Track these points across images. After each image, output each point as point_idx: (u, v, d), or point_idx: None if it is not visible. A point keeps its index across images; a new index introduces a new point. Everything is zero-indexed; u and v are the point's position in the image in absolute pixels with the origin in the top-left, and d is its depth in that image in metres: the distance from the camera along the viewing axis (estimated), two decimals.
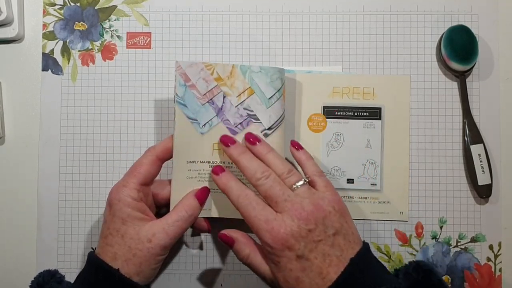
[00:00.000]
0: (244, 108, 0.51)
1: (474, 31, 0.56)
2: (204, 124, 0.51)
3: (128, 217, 0.47)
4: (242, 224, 0.48)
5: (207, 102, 0.51)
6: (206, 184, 0.51)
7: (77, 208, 0.57)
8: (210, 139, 0.51)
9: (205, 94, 0.51)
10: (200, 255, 0.56)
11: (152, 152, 0.50)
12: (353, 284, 0.42)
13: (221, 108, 0.51)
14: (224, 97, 0.51)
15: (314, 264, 0.43)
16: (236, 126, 0.51)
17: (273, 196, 0.45)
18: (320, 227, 0.44)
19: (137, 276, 0.46)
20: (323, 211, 0.44)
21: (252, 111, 0.51)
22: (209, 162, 0.51)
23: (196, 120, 0.51)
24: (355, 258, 0.43)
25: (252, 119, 0.51)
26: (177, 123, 0.50)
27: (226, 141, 0.50)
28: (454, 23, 0.57)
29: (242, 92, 0.51)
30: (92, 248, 0.56)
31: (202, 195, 0.50)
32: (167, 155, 0.50)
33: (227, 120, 0.51)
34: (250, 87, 0.51)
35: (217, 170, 0.49)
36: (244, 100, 0.51)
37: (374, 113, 0.56)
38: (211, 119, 0.51)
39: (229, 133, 0.51)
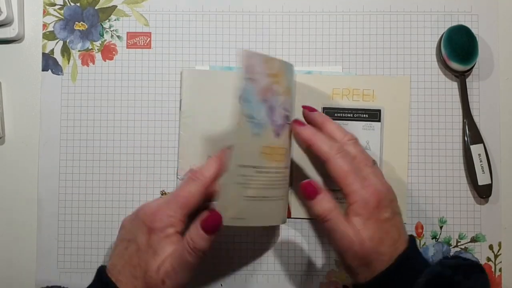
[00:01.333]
0: (283, 109, 0.48)
1: (474, 31, 0.56)
2: (258, 123, 0.46)
3: (164, 253, 0.44)
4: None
5: (263, 99, 0.47)
6: (254, 192, 0.46)
7: (77, 208, 0.57)
8: (259, 141, 0.46)
9: (262, 90, 0.46)
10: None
11: (202, 181, 0.45)
12: (416, 258, 0.45)
13: (272, 108, 0.47)
14: (276, 95, 0.48)
15: (392, 232, 0.45)
16: (279, 128, 0.48)
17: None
18: (395, 202, 0.47)
19: None
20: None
21: (288, 112, 0.49)
22: (255, 167, 0.46)
23: (253, 118, 0.46)
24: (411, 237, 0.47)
25: (287, 122, 0.49)
26: (235, 120, 0.45)
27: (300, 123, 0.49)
28: (454, 23, 0.57)
29: (284, 92, 0.49)
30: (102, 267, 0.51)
31: (209, 225, 0.44)
32: (214, 185, 0.46)
33: (274, 120, 0.47)
34: (290, 87, 0.49)
35: (300, 122, 0.48)
36: (284, 101, 0.48)
37: (373, 115, 0.56)
38: (263, 119, 0.46)
39: (274, 136, 0.47)
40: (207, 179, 0.46)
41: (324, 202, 0.46)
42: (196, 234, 0.43)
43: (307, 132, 0.48)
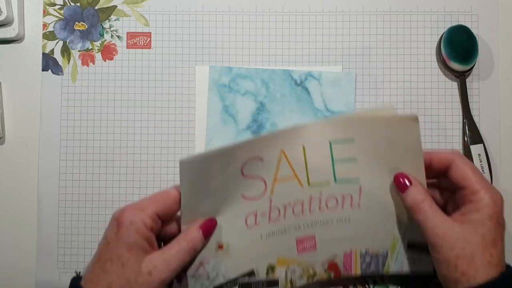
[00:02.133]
0: None
1: (474, 31, 0.56)
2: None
3: (135, 245, 0.42)
4: None
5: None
6: None
7: (77, 208, 0.57)
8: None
9: None
10: None
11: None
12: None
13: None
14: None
15: (502, 237, 0.44)
16: None
17: None
18: None
19: None
20: None
21: None
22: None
23: None
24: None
25: None
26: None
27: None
28: (454, 23, 0.57)
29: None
30: (76, 273, 0.53)
31: (207, 228, 0.46)
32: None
33: None
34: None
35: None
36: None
37: None
38: None
39: None
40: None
41: (415, 193, 0.45)
42: (195, 235, 0.45)
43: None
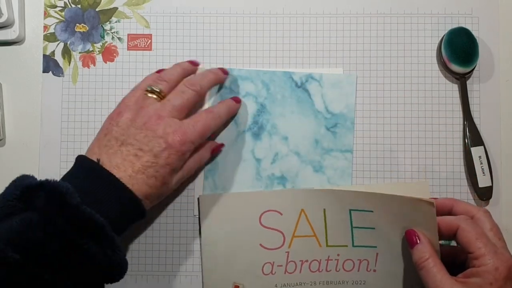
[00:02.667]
0: None
1: (474, 33, 0.56)
2: None
3: (177, 169, 0.49)
4: None
5: None
6: None
7: None
8: None
9: None
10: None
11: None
12: None
13: None
14: None
15: None
16: None
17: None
18: None
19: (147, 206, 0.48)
20: None
21: None
22: None
23: None
24: None
25: None
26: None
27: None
28: (455, 25, 0.57)
29: None
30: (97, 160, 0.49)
31: (217, 150, 0.55)
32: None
33: None
34: None
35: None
36: None
37: None
38: None
39: None
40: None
41: (421, 251, 0.47)
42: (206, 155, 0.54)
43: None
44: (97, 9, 0.58)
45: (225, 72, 0.55)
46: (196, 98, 0.51)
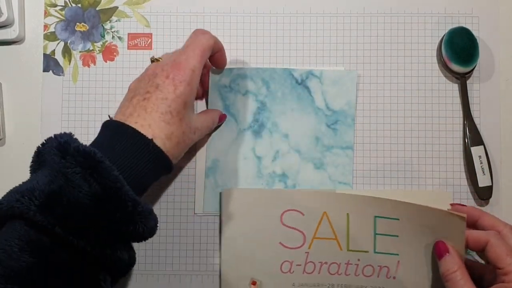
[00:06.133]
0: None
1: (475, 33, 0.56)
2: None
3: (190, 102, 0.48)
4: None
5: None
6: None
7: None
8: None
9: None
10: (201, 256, 0.56)
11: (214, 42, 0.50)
12: None
13: None
14: None
15: None
16: None
17: None
18: None
19: (175, 160, 0.48)
20: None
21: None
22: None
23: None
24: None
25: None
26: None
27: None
28: (455, 25, 0.57)
29: None
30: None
31: (223, 118, 0.56)
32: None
33: None
34: None
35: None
36: None
37: None
38: None
39: None
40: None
41: (448, 262, 0.47)
42: (215, 119, 0.54)
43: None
44: (97, 8, 0.58)
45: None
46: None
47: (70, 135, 0.43)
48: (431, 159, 0.57)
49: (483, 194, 0.55)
